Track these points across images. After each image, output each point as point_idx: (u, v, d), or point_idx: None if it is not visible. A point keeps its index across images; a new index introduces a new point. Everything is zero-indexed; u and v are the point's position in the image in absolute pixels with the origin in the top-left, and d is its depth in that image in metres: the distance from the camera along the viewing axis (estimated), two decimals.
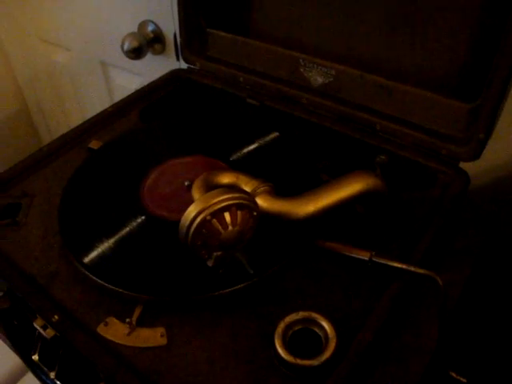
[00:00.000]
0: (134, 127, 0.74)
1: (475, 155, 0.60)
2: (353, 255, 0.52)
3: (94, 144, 0.72)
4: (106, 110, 0.79)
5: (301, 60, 0.73)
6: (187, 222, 0.44)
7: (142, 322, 0.50)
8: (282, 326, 0.46)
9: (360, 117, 0.68)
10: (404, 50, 0.66)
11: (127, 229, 0.58)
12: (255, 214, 0.46)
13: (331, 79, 0.71)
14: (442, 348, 0.51)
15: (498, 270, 0.67)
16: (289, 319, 0.46)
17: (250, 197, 0.46)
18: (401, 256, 0.52)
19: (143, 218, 0.58)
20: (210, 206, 0.44)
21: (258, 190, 0.50)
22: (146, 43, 1.06)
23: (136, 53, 1.05)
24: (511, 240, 0.68)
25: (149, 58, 1.10)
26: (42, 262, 0.58)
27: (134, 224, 0.58)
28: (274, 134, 0.68)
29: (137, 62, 1.12)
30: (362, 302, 0.50)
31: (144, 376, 0.46)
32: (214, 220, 0.44)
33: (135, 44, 1.04)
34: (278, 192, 0.53)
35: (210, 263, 0.47)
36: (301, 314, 0.46)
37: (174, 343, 0.48)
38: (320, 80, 0.72)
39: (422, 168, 0.63)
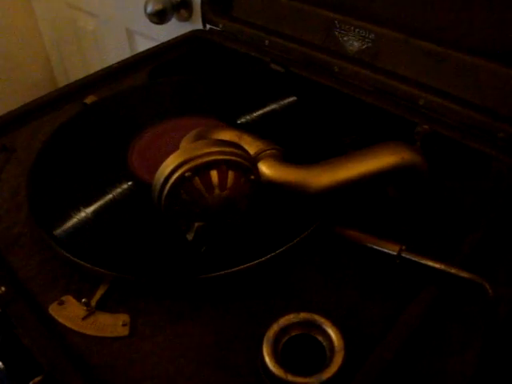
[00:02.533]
0: (135, 84, 0.65)
1: None
2: (378, 248, 0.41)
3: (90, 99, 0.63)
4: (111, 65, 0.70)
5: (336, 22, 0.62)
6: (161, 179, 0.34)
7: (104, 306, 0.40)
8: (274, 328, 0.35)
9: (400, 89, 0.57)
10: (463, 13, 0.54)
11: (108, 195, 0.48)
12: (253, 178, 0.35)
13: (369, 44, 0.60)
14: (484, 375, 0.39)
15: None
16: (285, 321, 0.35)
17: (249, 156, 0.36)
18: (440, 255, 0.41)
19: (129, 183, 0.49)
20: (192, 160, 0.33)
21: (263, 154, 0.40)
22: (171, 7, 0.96)
23: (159, 16, 0.95)
24: None
25: (175, 25, 1.01)
26: (6, 223, 0.49)
27: (118, 190, 0.48)
28: (292, 99, 0.57)
29: (162, 31, 1.03)
30: (384, 309, 0.38)
31: (92, 372, 0.36)
32: (197, 179, 0.34)
33: (159, 7, 0.94)
34: (290, 161, 0.42)
35: (189, 236, 0.36)
36: (301, 316, 0.35)
37: (138, 335, 0.38)
38: (356, 45, 0.61)
39: (473, 153, 0.51)
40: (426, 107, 0.55)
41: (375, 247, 0.41)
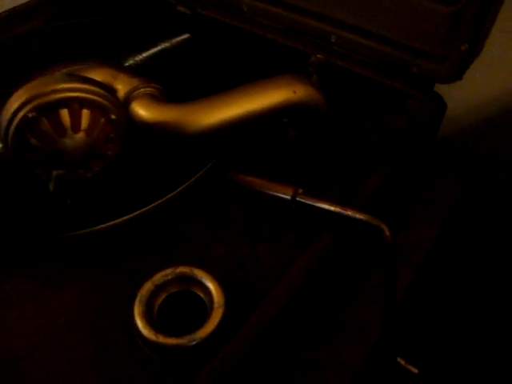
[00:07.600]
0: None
1: (455, 74, 0.45)
2: (272, 193, 0.37)
3: None
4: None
5: None
6: (5, 122, 0.29)
7: None
8: (148, 286, 0.31)
9: (312, 26, 0.53)
10: None
11: None
12: (114, 117, 0.31)
13: None
14: (389, 329, 0.37)
15: (472, 231, 0.53)
16: (160, 277, 0.31)
17: (109, 94, 0.31)
18: (342, 198, 0.38)
19: None
20: (35, 98, 0.28)
21: (136, 92, 0.35)
22: None
23: None
24: (491, 194, 0.54)
25: None
26: None
27: None
28: (186, 37, 0.51)
29: None
30: (275, 258, 0.35)
31: None
32: (44, 120, 0.29)
33: None
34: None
35: (50, 187, 0.32)
36: (179, 271, 0.32)
37: None
38: None
39: (386, 90, 0.48)
40: (337, 44, 0.52)
41: (270, 192, 0.37)
